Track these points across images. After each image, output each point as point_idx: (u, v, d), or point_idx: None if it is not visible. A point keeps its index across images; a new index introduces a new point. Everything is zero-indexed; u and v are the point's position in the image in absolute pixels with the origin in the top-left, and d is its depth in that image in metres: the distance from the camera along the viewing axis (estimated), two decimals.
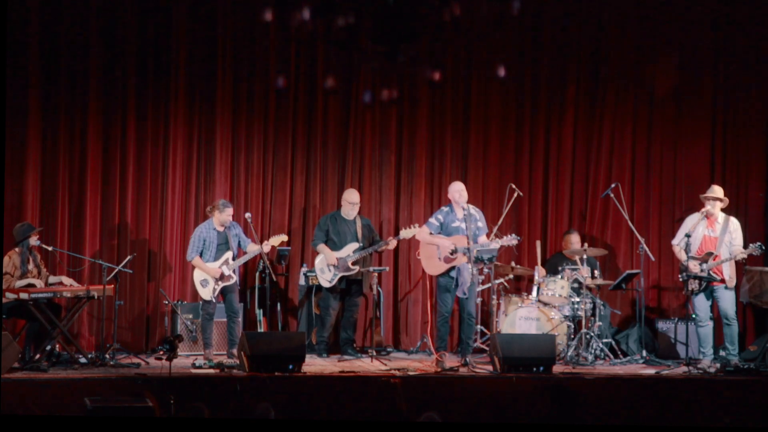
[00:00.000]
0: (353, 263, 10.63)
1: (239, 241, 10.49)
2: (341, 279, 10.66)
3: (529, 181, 11.72)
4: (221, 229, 10.40)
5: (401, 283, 11.64)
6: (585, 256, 10.68)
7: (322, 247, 10.70)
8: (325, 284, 10.68)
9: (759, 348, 10.52)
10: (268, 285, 10.50)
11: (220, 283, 10.32)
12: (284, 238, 10.66)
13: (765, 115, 11.78)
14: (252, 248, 10.44)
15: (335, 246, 10.69)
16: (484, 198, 11.67)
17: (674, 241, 10.82)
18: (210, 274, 10.30)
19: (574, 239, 11.27)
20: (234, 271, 10.37)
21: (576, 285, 10.68)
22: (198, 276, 10.36)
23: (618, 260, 11.70)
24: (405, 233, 10.65)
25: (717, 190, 10.69)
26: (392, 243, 10.78)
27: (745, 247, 10.46)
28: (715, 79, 11.76)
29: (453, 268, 10.43)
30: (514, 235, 10.39)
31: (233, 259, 10.38)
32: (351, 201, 10.80)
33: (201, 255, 10.34)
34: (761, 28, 11.61)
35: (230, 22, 11.20)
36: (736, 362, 10.12)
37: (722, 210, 10.68)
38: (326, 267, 10.66)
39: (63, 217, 10.78)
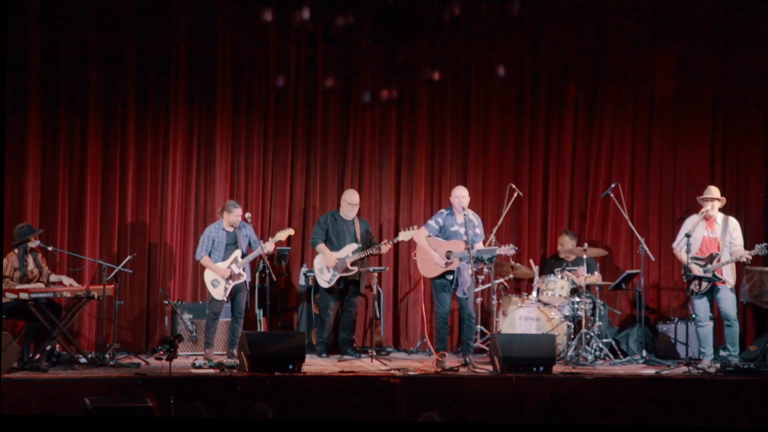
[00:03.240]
0: (352, 264, 10.63)
1: (249, 242, 10.49)
2: (340, 279, 10.66)
3: (529, 181, 11.72)
4: (231, 229, 10.40)
5: (401, 283, 11.64)
6: (584, 257, 10.67)
7: (321, 247, 10.68)
8: (324, 284, 10.67)
9: (759, 348, 10.50)
10: (268, 285, 10.52)
11: (230, 282, 10.33)
12: (291, 231, 10.70)
13: (765, 115, 11.77)
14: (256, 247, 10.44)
15: (334, 246, 10.68)
16: (484, 198, 11.67)
17: (674, 244, 10.80)
18: (219, 274, 10.30)
19: (566, 240, 11.25)
20: (244, 269, 10.38)
21: (574, 286, 10.68)
22: (209, 276, 10.37)
23: (618, 260, 11.69)
24: (403, 235, 10.62)
25: (714, 191, 10.65)
26: (385, 247, 10.74)
27: (746, 247, 10.45)
28: (715, 79, 11.76)
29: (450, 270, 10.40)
30: (512, 245, 10.31)
31: (242, 257, 10.38)
32: (351, 202, 10.78)
33: (210, 255, 10.35)
34: (761, 28, 11.60)
35: (230, 22, 11.20)
36: (737, 362, 10.11)
37: (720, 210, 10.66)
38: (325, 267, 10.66)
39: (63, 217, 10.78)
